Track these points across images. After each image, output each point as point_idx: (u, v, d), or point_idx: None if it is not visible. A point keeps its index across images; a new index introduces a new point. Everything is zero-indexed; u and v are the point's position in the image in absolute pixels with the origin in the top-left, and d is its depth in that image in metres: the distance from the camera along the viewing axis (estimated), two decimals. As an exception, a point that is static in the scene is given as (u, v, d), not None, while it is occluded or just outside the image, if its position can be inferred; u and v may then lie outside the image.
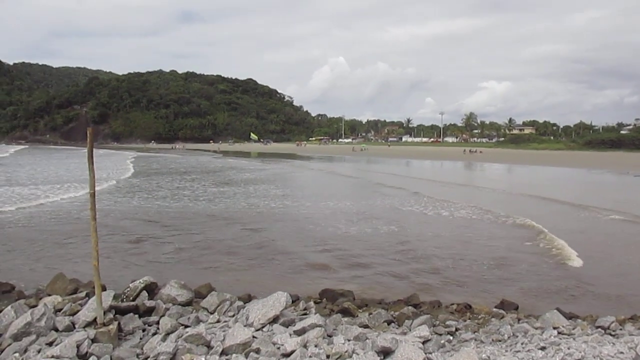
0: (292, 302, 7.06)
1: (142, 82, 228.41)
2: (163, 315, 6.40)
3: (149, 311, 6.53)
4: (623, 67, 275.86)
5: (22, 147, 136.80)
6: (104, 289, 6.33)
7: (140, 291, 6.87)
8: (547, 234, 14.13)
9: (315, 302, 7.54)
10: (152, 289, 7.16)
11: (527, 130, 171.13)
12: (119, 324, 5.91)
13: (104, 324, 5.81)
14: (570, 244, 12.83)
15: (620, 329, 6.31)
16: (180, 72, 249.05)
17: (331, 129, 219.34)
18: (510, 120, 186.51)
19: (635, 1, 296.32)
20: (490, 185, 32.06)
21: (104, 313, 5.92)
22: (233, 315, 6.48)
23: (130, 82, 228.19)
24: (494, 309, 7.57)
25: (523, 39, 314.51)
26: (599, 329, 6.30)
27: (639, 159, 63.45)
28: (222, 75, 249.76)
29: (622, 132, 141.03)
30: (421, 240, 13.84)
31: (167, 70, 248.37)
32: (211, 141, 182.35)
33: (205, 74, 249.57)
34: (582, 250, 12.17)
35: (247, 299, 7.55)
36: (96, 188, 6.07)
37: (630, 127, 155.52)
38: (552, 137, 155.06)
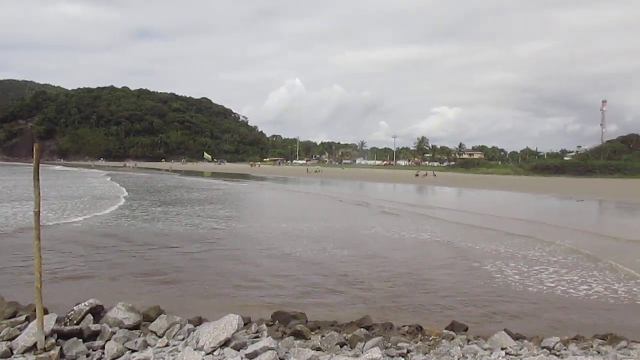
0: (244, 324, 6.94)
1: (93, 98, 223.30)
2: (109, 340, 6.16)
3: (94, 335, 6.27)
4: (566, 97, 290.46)
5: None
6: (45, 312, 6.05)
7: (85, 314, 6.59)
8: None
9: (267, 325, 7.43)
10: (97, 312, 6.89)
11: (476, 155, 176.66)
12: (61, 349, 5.65)
13: (45, 349, 5.54)
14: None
15: (565, 349, 6.51)
16: (132, 88, 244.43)
17: (286, 150, 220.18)
18: (460, 145, 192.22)
19: (577, 35, 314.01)
20: (477, 209, 31.64)
21: (45, 338, 5.65)
22: (183, 339, 6.31)
23: (79, 98, 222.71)
24: (444, 331, 7.66)
25: (474, 67, 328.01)
26: (545, 350, 6.48)
27: (579, 185, 66.72)
28: (176, 94, 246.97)
29: (565, 158, 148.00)
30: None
31: (119, 87, 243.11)
32: (163, 160, 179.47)
33: (159, 91, 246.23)
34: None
35: (198, 321, 7.36)
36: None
37: (573, 153, 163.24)
38: (499, 162, 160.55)
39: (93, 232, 18.06)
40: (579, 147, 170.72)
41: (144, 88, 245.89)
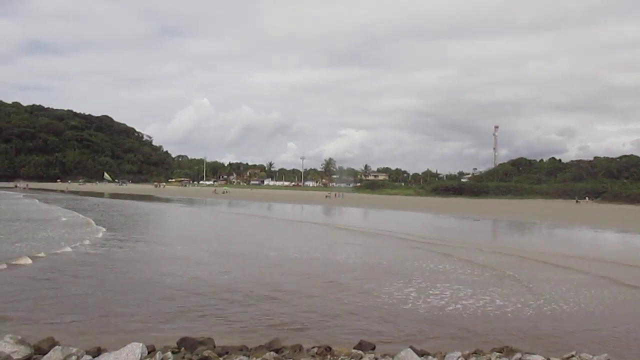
0: (148, 353, 6.61)
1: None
2: (-7, 377, 5.61)
3: (-25, 373, 5.69)
4: (463, 122, 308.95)
5: None
6: None
7: (-35, 350, 5.98)
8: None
9: (173, 352, 7.11)
10: (-20, 347, 6.26)
11: (381, 177, 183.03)
12: None
13: None
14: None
15: (466, 363, 6.81)
16: (24, 104, 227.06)
17: (192, 170, 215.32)
18: (366, 166, 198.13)
19: (472, 64, 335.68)
20: (388, 228, 32.96)
21: None
22: (79, 372, 5.88)
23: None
24: (353, 350, 7.74)
25: (378, 91, 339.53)
26: (448, 364, 6.73)
27: (475, 205, 71.67)
28: (74, 111, 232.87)
29: (462, 180, 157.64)
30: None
31: (9, 102, 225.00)
32: (59, 180, 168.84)
33: (55, 108, 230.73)
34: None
35: (96, 352, 6.90)
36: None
37: (469, 175, 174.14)
38: (402, 184, 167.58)
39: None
40: (474, 169, 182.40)
41: (37, 104, 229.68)
